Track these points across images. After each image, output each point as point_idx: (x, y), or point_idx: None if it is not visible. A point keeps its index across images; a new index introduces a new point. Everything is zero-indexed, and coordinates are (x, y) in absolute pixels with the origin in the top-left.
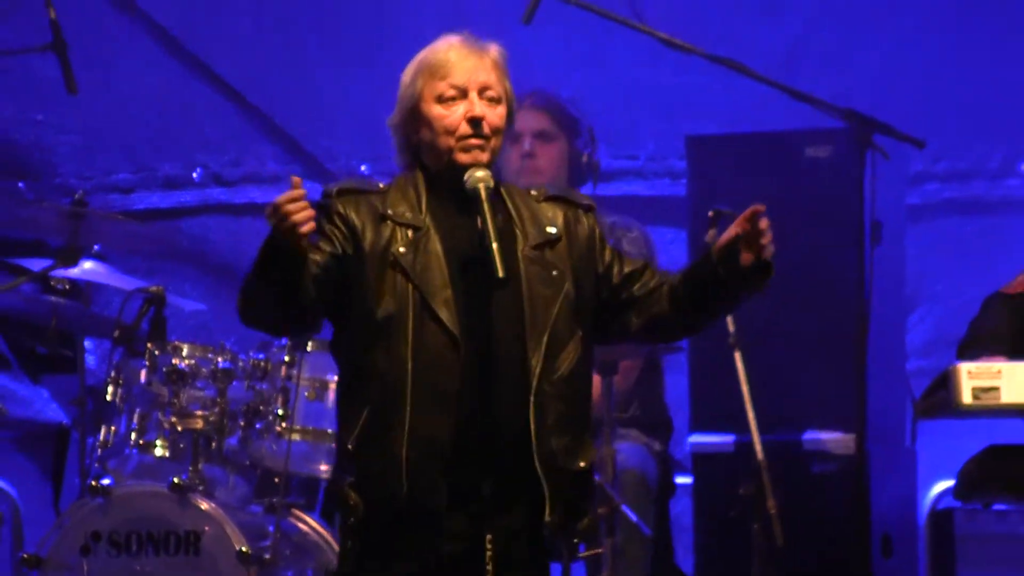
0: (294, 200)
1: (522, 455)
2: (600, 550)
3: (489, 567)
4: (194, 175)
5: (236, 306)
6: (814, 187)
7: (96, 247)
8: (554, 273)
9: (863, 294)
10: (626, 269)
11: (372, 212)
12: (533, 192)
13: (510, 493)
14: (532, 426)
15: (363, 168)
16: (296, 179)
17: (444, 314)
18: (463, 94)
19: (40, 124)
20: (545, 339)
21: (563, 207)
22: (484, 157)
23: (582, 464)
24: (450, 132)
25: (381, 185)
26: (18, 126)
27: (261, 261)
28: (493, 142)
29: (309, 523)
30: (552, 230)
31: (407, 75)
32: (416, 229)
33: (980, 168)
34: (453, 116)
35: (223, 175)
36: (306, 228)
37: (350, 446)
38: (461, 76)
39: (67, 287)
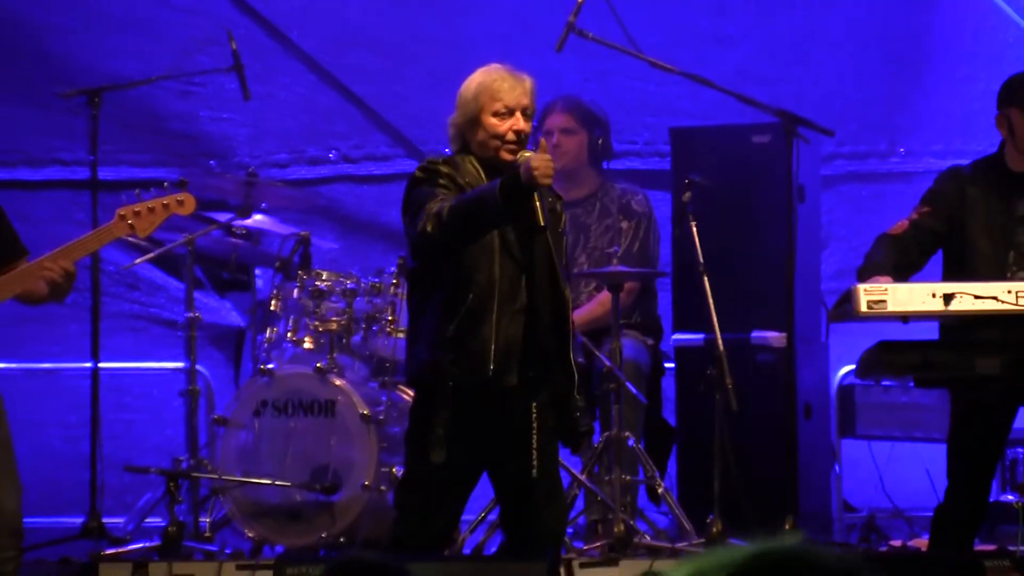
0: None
1: (557, 354)
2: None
3: (535, 425)
4: (330, 155)
5: (439, 218)
6: (758, 163)
7: (263, 205)
8: (560, 231)
9: (791, 236)
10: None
11: (459, 178)
12: None
13: (545, 378)
14: (570, 336)
15: (445, 150)
16: (543, 144)
17: (515, 250)
18: (511, 113)
19: (225, 120)
20: (563, 275)
21: (552, 193)
22: (523, 154)
23: (581, 360)
24: (498, 137)
25: (450, 161)
26: (211, 122)
27: (505, 192)
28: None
29: (410, 394)
30: (549, 199)
31: (469, 91)
32: None
33: (872, 150)
34: (503, 127)
35: (350, 155)
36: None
37: (449, 335)
38: (511, 100)
39: (243, 232)
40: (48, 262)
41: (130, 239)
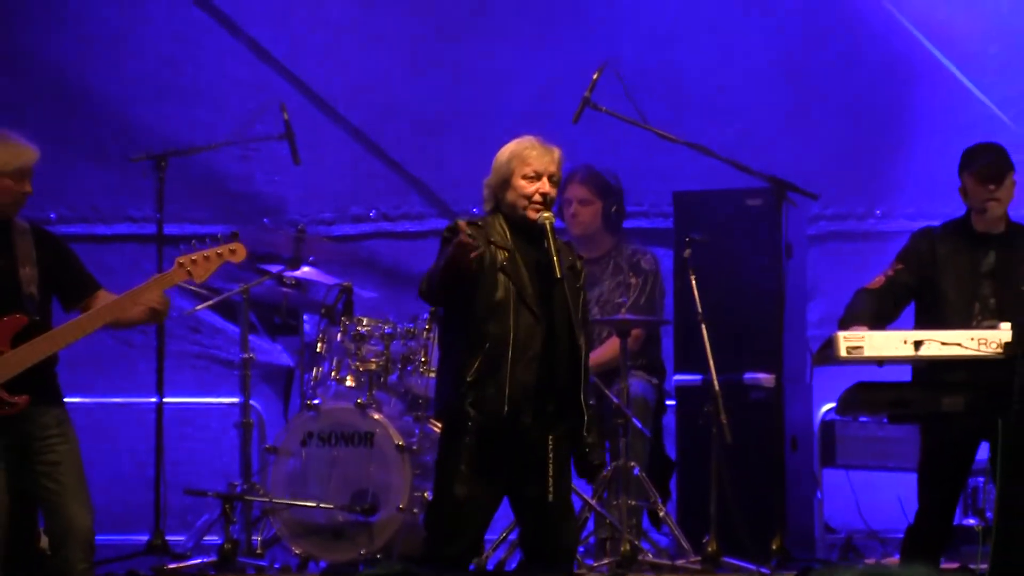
0: (468, 244)
1: (571, 393)
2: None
3: (551, 456)
4: (371, 214)
5: (420, 287)
6: (751, 224)
7: (311, 258)
8: (577, 285)
9: (781, 289)
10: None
11: (483, 238)
12: (562, 240)
13: (562, 414)
14: (582, 378)
15: (474, 210)
16: (462, 223)
17: (531, 302)
18: (539, 177)
19: (277, 182)
20: (580, 324)
21: (573, 253)
22: (543, 214)
23: (592, 402)
24: (527, 198)
25: (479, 222)
26: (265, 184)
27: (447, 266)
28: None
29: (439, 427)
30: (570, 259)
31: (503, 156)
32: (509, 251)
33: (851, 212)
34: (531, 189)
35: (389, 214)
36: (473, 255)
37: (470, 379)
38: (539, 166)
39: (293, 282)
40: (128, 301)
41: (191, 287)
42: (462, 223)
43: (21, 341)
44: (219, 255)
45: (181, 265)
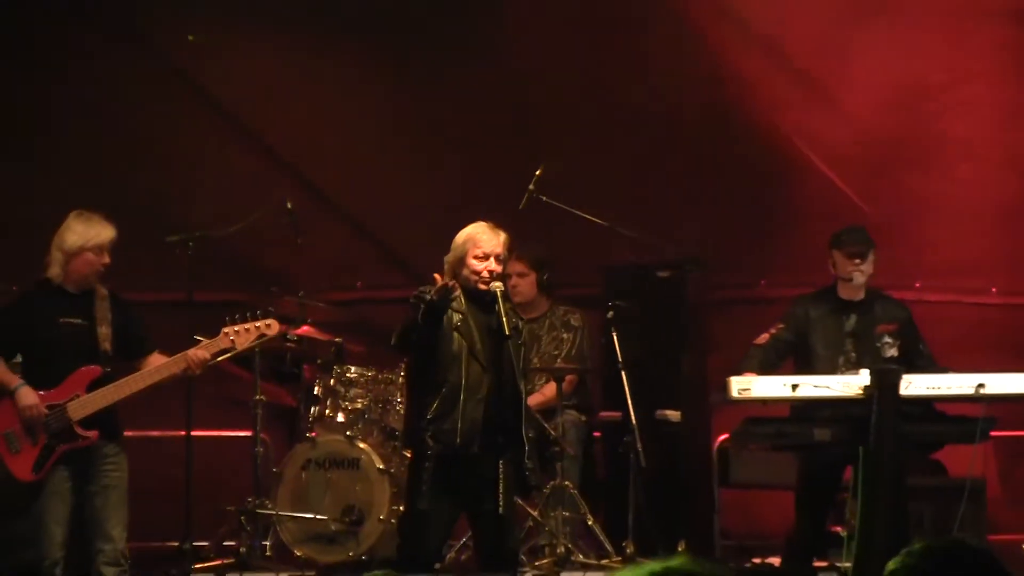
0: (448, 285)
1: (516, 428)
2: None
3: (501, 477)
4: (358, 284)
5: (393, 339)
6: (662, 290)
7: (309, 319)
8: (519, 342)
9: (686, 343)
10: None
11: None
12: (510, 304)
13: (509, 444)
14: (523, 416)
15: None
16: (437, 276)
17: (480, 357)
18: (487, 257)
19: (282, 258)
20: (522, 374)
21: (517, 316)
22: (494, 284)
23: (531, 435)
24: (476, 274)
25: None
26: (272, 259)
27: (425, 313)
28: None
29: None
30: (515, 321)
31: (459, 239)
32: (463, 314)
33: (743, 282)
34: (480, 266)
35: (376, 284)
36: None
37: (429, 416)
38: (488, 248)
39: (295, 338)
40: (183, 360)
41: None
42: (425, 289)
43: (95, 388)
44: (257, 328)
45: (226, 334)
